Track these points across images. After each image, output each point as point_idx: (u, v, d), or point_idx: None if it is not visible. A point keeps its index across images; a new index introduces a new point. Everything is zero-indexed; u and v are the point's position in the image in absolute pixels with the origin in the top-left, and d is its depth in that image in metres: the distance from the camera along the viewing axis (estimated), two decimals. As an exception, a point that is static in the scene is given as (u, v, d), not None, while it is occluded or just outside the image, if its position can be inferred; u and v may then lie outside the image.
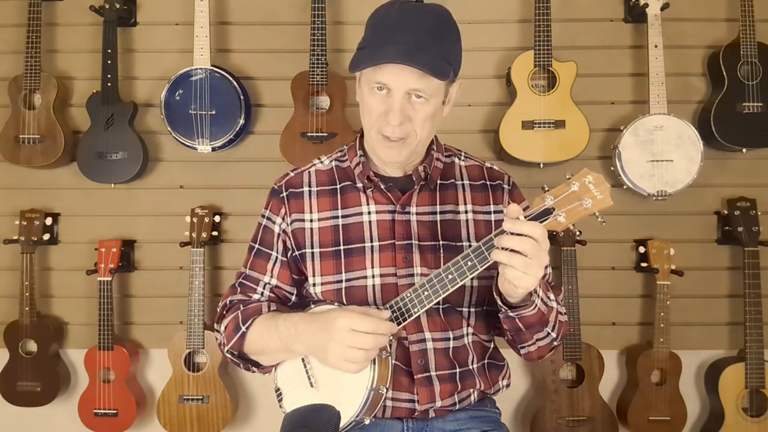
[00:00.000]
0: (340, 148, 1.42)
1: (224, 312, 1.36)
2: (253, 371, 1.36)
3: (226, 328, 1.32)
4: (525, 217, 1.08)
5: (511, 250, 1.06)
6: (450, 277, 1.14)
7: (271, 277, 1.35)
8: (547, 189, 1.09)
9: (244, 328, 1.27)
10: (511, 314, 1.20)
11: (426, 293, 1.16)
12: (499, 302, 1.19)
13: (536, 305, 1.19)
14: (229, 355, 1.33)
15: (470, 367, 1.31)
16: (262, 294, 1.36)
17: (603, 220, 1.09)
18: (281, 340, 1.21)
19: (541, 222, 1.07)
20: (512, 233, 1.06)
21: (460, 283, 1.14)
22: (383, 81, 1.18)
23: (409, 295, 1.18)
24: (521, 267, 1.05)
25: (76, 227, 2.47)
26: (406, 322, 1.19)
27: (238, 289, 1.38)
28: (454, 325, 1.30)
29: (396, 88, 1.18)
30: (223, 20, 2.44)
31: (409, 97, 1.20)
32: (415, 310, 1.17)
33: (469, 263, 1.12)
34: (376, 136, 1.25)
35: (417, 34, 1.16)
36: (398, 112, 1.19)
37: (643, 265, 2.31)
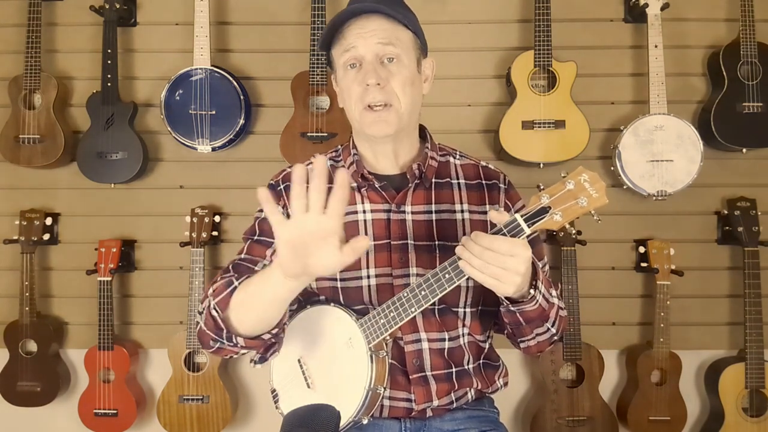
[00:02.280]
0: (334, 148, 1.42)
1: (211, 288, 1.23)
2: (229, 346, 1.19)
3: (215, 290, 1.20)
4: (521, 216, 1.09)
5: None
6: (447, 276, 1.14)
7: (271, 262, 1.27)
8: (542, 188, 1.10)
9: (236, 283, 1.18)
10: (512, 308, 1.20)
11: (423, 293, 1.16)
12: (500, 296, 1.19)
13: (537, 301, 1.19)
14: (212, 312, 1.17)
15: (466, 367, 1.31)
16: None
17: (599, 219, 1.09)
18: (261, 277, 1.13)
19: (537, 221, 1.08)
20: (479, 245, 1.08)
21: (458, 283, 1.14)
22: (350, 43, 1.23)
23: (406, 294, 1.17)
24: (492, 276, 1.08)
25: (76, 227, 2.47)
26: (402, 323, 1.18)
27: (232, 271, 1.26)
28: (450, 325, 1.30)
29: (364, 47, 1.23)
30: (223, 20, 2.44)
31: (381, 61, 1.24)
32: (413, 309, 1.17)
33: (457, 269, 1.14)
34: (361, 113, 1.26)
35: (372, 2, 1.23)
36: (373, 71, 1.22)
37: (643, 265, 2.31)
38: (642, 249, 2.30)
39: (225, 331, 1.17)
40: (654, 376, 2.31)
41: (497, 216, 1.10)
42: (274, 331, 1.17)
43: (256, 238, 1.34)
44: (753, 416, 2.25)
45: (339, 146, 1.42)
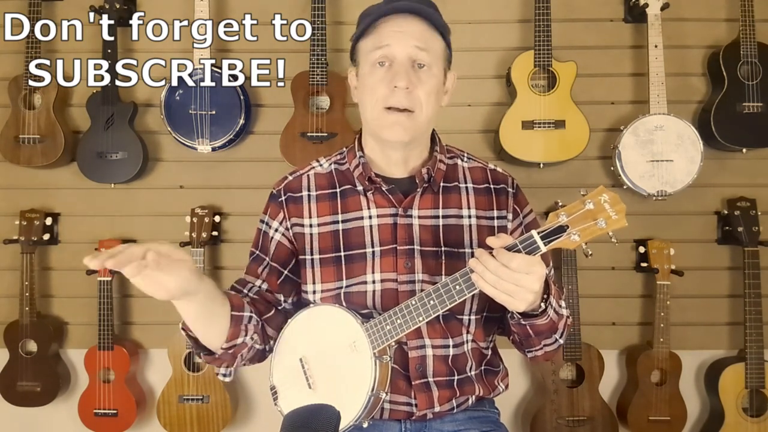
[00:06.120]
0: (339, 151, 1.39)
1: None
2: (202, 356, 1.27)
3: None
4: (538, 233, 1.08)
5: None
6: (458, 288, 1.13)
7: (262, 281, 1.33)
8: (561, 205, 1.08)
9: None
10: (523, 322, 1.19)
11: (432, 302, 1.15)
12: (512, 310, 1.18)
13: (549, 316, 1.19)
14: (185, 333, 1.25)
15: (469, 374, 1.30)
16: (246, 295, 1.33)
17: (616, 241, 1.09)
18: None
19: (554, 240, 1.07)
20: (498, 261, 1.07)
21: (468, 295, 1.14)
22: (384, 40, 1.20)
23: (414, 303, 1.16)
24: (505, 292, 1.07)
25: (76, 227, 2.47)
26: (408, 331, 1.18)
27: (231, 290, 1.35)
28: (454, 332, 1.28)
29: (399, 48, 1.19)
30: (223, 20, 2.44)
31: (412, 65, 1.21)
32: (420, 319, 1.16)
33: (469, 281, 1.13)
34: (380, 113, 1.22)
35: (412, 2, 1.21)
36: (404, 74, 1.19)
37: (643, 265, 2.31)
38: (642, 249, 2.31)
39: (194, 346, 1.24)
40: (654, 376, 2.31)
41: (497, 242, 1.09)
42: (224, 346, 1.20)
43: (255, 254, 1.37)
44: (753, 416, 2.25)
45: (344, 148, 1.39)
